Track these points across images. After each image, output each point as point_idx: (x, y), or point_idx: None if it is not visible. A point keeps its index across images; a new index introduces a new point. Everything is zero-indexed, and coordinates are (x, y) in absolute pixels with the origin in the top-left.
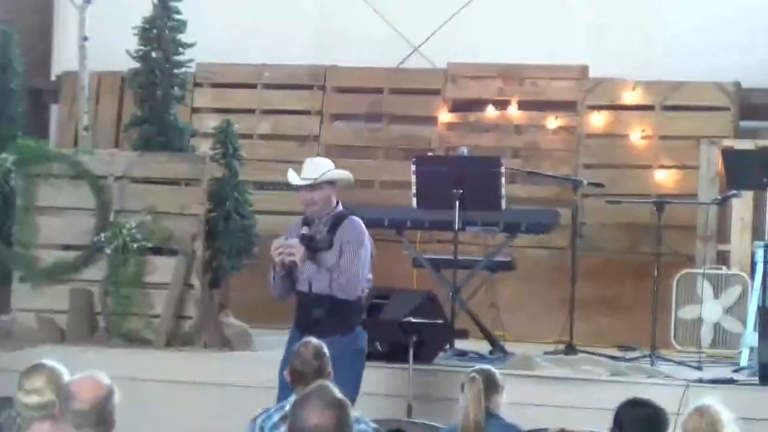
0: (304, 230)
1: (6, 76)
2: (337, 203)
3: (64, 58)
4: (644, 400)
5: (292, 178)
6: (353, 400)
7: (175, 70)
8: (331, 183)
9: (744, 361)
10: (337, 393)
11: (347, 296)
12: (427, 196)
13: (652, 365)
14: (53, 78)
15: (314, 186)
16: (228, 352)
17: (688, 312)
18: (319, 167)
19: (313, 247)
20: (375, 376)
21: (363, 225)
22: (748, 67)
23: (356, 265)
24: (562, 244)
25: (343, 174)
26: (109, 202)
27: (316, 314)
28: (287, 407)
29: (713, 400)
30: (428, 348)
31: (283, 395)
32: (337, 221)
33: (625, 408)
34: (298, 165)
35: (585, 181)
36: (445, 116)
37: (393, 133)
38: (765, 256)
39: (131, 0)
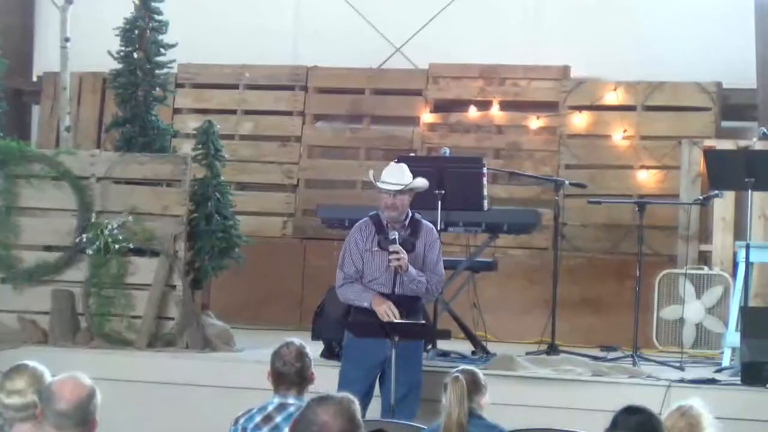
0: (395, 234)
1: None
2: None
3: (45, 59)
4: (640, 407)
5: (384, 183)
6: (419, 399)
7: (157, 71)
8: (411, 190)
9: (726, 361)
10: (358, 412)
11: (434, 297)
12: None
13: (634, 365)
14: (34, 79)
15: (399, 191)
16: (210, 352)
17: (669, 312)
18: (405, 174)
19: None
20: None
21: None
22: (729, 68)
23: (442, 267)
24: (543, 245)
25: (425, 183)
26: (90, 203)
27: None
28: (269, 408)
29: (697, 401)
30: None
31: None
32: (416, 225)
33: (622, 416)
34: (281, 166)
35: (567, 182)
36: (426, 117)
37: (374, 134)
38: (746, 256)
39: (112, 1)
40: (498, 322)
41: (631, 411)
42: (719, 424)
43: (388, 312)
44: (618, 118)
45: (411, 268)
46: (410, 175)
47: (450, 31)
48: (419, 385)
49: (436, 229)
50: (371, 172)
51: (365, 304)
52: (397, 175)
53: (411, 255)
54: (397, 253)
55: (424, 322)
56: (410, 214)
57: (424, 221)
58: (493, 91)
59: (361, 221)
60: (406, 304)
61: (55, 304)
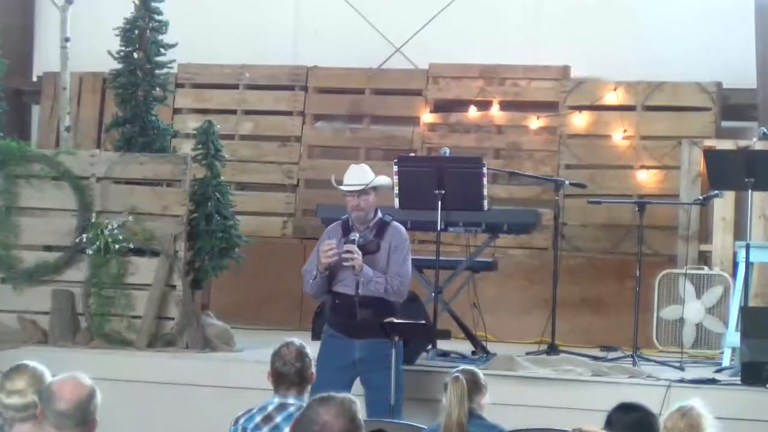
0: (354, 235)
1: None
2: (376, 210)
3: (45, 59)
4: (635, 404)
5: (346, 186)
6: (401, 398)
7: (157, 71)
8: (375, 189)
9: (726, 361)
10: (359, 413)
11: (399, 298)
12: (410, 196)
13: (634, 365)
14: (34, 79)
15: (362, 191)
16: (210, 352)
17: (669, 312)
18: (367, 173)
19: (362, 251)
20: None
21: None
22: (729, 68)
23: (407, 268)
24: (543, 245)
25: (388, 180)
26: (90, 203)
27: (363, 315)
28: (269, 408)
29: (697, 401)
30: (410, 349)
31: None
32: (382, 226)
33: (616, 414)
34: (281, 166)
35: (567, 182)
36: (426, 117)
37: (374, 134)
38: (747, 256)
39: (112, 1)
40: (498, 322)
41: (625, 408)
42: (720, 424)
43: (328, 253)
44: (618, 118)
45: (366, 269)
46: (372, 174)
47: (450, 31)
48: (393, 386)
49: (438, 228)
50: (333, 177)
51: (315, 273)
52: (358, 176)
53: (375, 256)
54: (350, 252)
55: (424, 322)
56: (378, 216)
57: (393, 223)
58: (493, 91)
59: (332, 224)
60: (373, 304)
61: (55, 304)
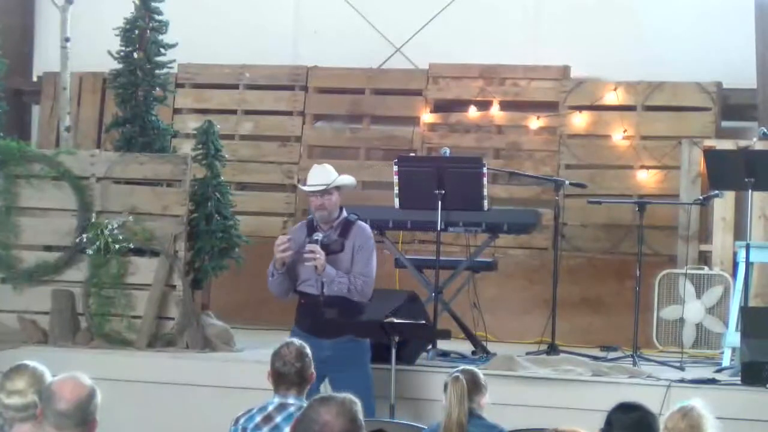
0: (318, 235)
1: None
2: (341, 209)
3: (45, 59)
4: (634, 404)
5: (308, 186)
6: (371, 398)
7: (157, 71)
8: (338, 188)
9: (726, 361)
10: (360, 413)
11: (363, 298)
12: (410, 196)
13: (634, 365)
14: (34, 79)
15: (324, 191)
16: (210, 352)
17: (670, 312)
18: (328, 173)
19: (326, 251)
20: None
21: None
22: (729, 68)
23: (371, 268)
24: (543, 245)
25: (351, 180)
26: (90, 203)
27: (329, 315)
28: (269, 408)
29: (698, 402)
30: (410, 348)
31: None
32: (347, 226)
33: (616, 414)
34: (281, 166)
35: (567, 182)
36: (426, 117)
37: (374, 134)
38: (747, 256)
39: (112, 1)
40: (498, 322)
41: (625, 409)
42: (720, 425)
43: (279, 248)
44: (618, 118)
45: (329, 269)
46: (335, 174)
47: (450, 31)
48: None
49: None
50: (296, 178)
51: (272, 270)
52: (320, 176)
53: (340, 255)
54: (312, 252)
55: (424, 322)
56: (343, 215)
57: (358, 222)
58: (493, 91)
59: (298, 224)
60: (338, 303)
61: (55, 304)
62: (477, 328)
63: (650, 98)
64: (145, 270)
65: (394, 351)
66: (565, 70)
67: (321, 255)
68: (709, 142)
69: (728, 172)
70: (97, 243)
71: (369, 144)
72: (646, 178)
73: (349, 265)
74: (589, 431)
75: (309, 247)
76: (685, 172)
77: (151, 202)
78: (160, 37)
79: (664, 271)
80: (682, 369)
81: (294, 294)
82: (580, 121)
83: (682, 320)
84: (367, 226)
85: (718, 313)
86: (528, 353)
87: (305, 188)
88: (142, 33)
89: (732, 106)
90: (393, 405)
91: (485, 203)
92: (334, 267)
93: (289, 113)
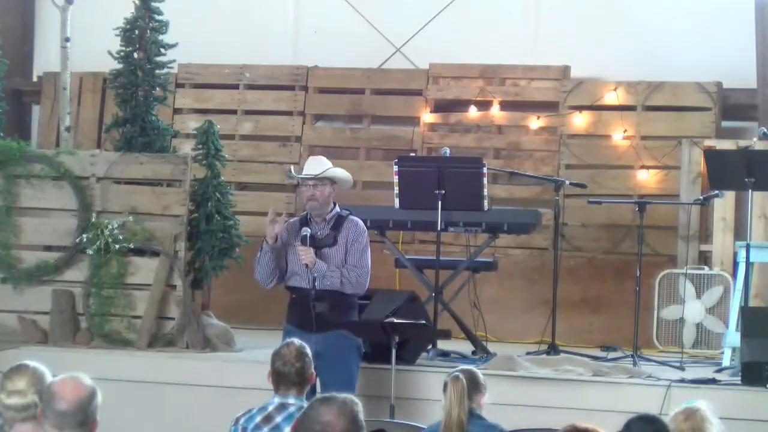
0: (305, 231)
1: None
2: (335, 204)
3: (45, 59)
4: (654, 416)
5: (295, 172)
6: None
7: (157, 71)
8: (332, 181)
9: (726, 361)
10: (361, 413)
11: (358, 290)
12: (410, 196)
13: (635, 365)
14: (34, 79)
15: (316, 182)
16: (210, 352)
17: (670, 312)
18: (322, 164)
19: (315, 245)
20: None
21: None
22: (729, 67)
23: (366, 260)
24: (543, 245)
25: (345, 173)
26: (90, 203)
27: (319, 309)
28: (270, 408)
29: (702, 403)
30: (410, 348)
31: None
32: (339, 220)
33: (637, 423)
34: (281, 166)
35: (567, 182)
36: (426, 117)
37: (374, 134)
38: (747, 256)
39: (112, 1)
40: (498, 322)
41: (647, 421)
42: (722, 425)
43: (269, 218)
44: (618, 118)
45: (320, 264)
46: (329, 166)
47: (450, 31)
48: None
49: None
50: (291, 169)
51: (263, 245)
52: (314, 167)
53: (332, 249)
54: (301, 252)
55: (424, 322)
56: (336, 210)
57: (350, 217)
58: (493, 91)
59: (292, 219)
60: (328, 297)
61: (55, 304)
62: (477, 328)
63: (650, 98)
64: (145, 270)
65: (394, 351)
66: (565, 70)
67: (311, 251)
68: (709, 142)
69: (728, 172)
70: (97, 243)
71: (369, 144)
72: (646, 178)
73: (341, 259)
74: (605, 431)
75: (300, 248)
76: (685, 172)
77: (151, 202)
78: (160, 37)
79: (664, 271)
80: (682, 369)
81: (277, 283)
82: (580, 121)
83: (682, 320)
84: (359, 221)
85: (718, 313)
86: (528, 353)
87: (298, 176)
88: (142, 33)
89: (732, 106)
90: (393, 405)
91: (485, 203)
92: (326, 261)
93: (289, 113)
